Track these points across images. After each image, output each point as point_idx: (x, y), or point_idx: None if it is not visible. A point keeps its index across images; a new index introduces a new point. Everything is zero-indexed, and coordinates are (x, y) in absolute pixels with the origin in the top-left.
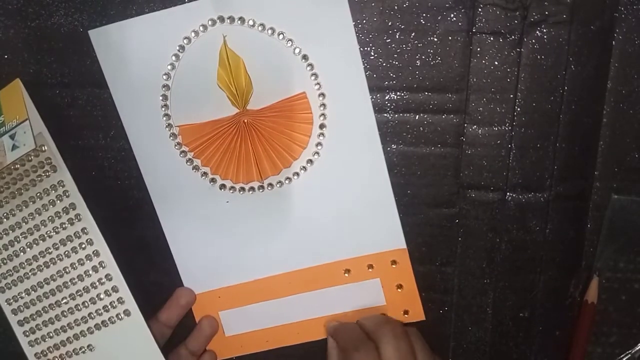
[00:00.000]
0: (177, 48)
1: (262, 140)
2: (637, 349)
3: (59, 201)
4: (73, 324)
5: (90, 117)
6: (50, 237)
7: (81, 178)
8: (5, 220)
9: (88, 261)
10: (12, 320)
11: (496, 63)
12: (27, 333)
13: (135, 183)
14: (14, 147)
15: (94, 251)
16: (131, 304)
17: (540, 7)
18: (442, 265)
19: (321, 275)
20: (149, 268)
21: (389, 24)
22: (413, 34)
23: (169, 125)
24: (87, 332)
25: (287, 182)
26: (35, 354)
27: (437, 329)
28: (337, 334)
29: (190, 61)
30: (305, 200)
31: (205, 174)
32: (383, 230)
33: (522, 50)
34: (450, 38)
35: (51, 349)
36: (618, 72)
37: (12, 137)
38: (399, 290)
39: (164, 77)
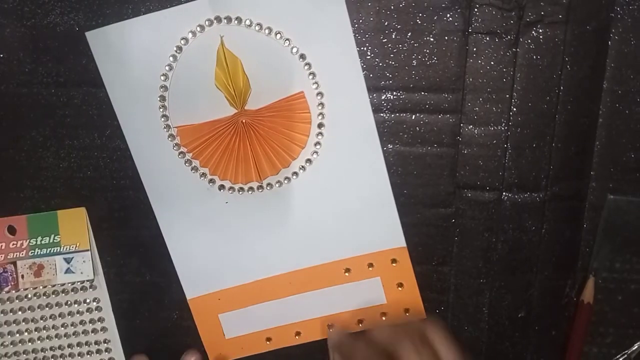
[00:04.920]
0: (175, 49)
1: (261, 140)
2: (633, 349)
3: (87, 313)
4: None
5: (86, 116)
6: (67, 337)
7: (77, 177)
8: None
9: None
10: None
11: (492, 63)
12: None
13: (131, 183)
14: (67, 271)
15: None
16: None
17: (536, 7)
18: (439, 264)
19: (321, 275)
20: (145, 269)
21: (386, 23)
22: (409, 34)
23: (167, 126)
24: None
25: (286, 182)
26: None
27: None
28: (344, 352)
29: (187, 62)
30: (304, 200)
31: (204, 174)
32: (383, 229)
33: (518, 50)
34: (446, 38)
35: None
36: (614, 72)
37: (67, 260)
38: (400, 288)
39: (162, 78)
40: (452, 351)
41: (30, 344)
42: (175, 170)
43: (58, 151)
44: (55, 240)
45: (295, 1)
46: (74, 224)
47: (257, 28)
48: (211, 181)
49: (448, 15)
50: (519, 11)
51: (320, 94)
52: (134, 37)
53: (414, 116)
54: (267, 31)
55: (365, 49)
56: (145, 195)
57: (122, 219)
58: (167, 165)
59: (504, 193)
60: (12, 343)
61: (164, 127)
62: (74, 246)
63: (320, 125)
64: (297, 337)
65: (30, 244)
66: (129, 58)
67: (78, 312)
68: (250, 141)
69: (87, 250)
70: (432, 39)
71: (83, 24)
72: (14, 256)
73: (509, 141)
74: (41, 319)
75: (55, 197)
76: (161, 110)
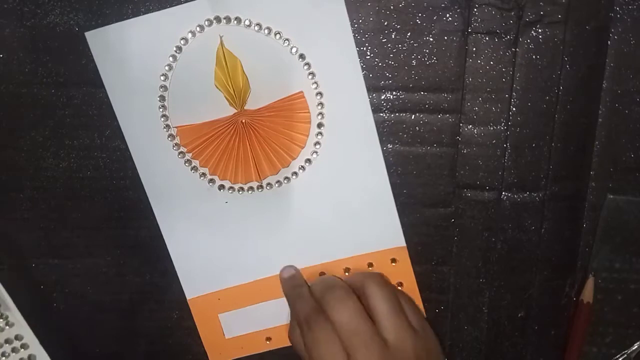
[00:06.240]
0: (174, 49)
1: (260, 140)
2: (633, 349)
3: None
4: None
5: (86, 116)
6: None
7: (77, 177)
8: None
9: None
10: None
11: (491, 63)
12: None
13: (130, 183)
14: None
15: None
16: None
17: (535, 7)
18: (438, 264)
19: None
20: (145, 269)
21: (385, 23)
22: (409, 34)
23: (167, 126)
24: None
25: (285, 182)
26: None
27: (433, 328)
28: (290, 302)
29: (187, 62)
30: (304, 200)
31: (203, 174)
32: (382, 228)
33: (518, 50)
34: (446, 38)
35: None
36: (613, 72)
37: None
38: (399, 288)
39: (161, 78)
40: (385, 303)
41: None
42: (175, 170)
43: (58, 151)
44: None
45: (295, 1)
46: None
47: (256, 28)
48: (211, 181)
49: (447, 15)
50: (519, 11)
51: (319, 93)
52: (133, 37)
53: (413, 116)
54: (266, 31)
55: (364, 48)
56: (145, 195)
57: (122, 219)
58: (167, 165)
59: (503, 193)
60: None
61: (164, 127)
62: None
63: (319, 125)
64: None
65: None
66: (129, 58)
67: None
68: (250, 141)
69: None
70: (431, 39)
71: (83, 24)
72: None
73: (509, 141)
74: None
75: (56, 197)
76: (161, 110)
